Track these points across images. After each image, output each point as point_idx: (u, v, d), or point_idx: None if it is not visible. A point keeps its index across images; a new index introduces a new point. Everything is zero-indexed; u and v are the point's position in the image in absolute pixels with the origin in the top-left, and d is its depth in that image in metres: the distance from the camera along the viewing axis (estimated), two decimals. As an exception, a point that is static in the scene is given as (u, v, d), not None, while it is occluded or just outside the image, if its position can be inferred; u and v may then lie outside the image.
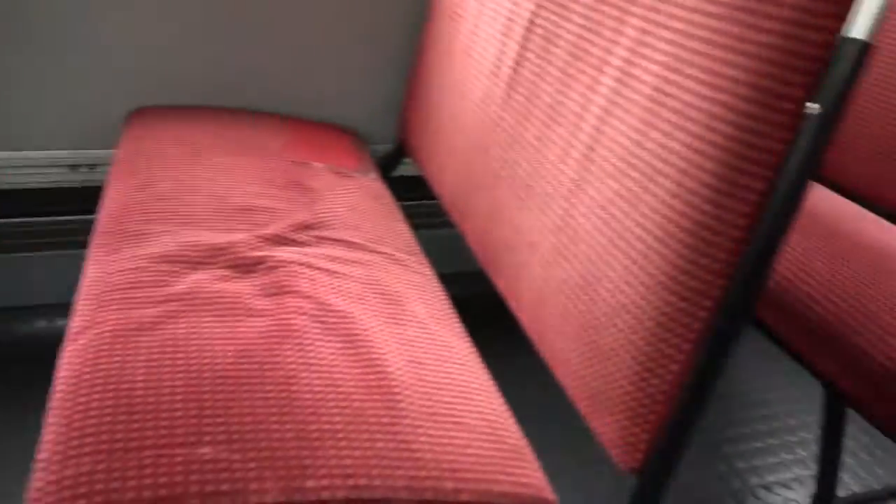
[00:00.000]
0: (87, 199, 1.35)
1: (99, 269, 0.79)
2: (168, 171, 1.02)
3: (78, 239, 1.36)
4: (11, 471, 1.10)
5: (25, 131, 1.30)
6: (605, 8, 0.76)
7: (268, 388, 0.63)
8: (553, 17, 0.87)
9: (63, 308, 1.41)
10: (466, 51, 1.11)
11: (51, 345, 1.39)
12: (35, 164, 1.32)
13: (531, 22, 0.91)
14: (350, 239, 0.93)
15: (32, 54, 1.23)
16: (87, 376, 0.62)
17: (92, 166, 1.33)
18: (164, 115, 1.24)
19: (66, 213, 1.36)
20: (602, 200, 0.72)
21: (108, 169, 1.33)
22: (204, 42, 1.31)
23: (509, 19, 0.97)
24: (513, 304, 0.87)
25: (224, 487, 0.53)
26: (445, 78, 1.18)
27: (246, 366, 0.65)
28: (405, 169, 1.47)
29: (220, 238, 0.85)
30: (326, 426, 0.61)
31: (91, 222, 1.34)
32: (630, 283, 0.65)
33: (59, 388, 0.62)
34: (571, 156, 0.78)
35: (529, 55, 0.91)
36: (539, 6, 0.90)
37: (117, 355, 0.64)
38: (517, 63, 0.93)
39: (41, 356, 1.35)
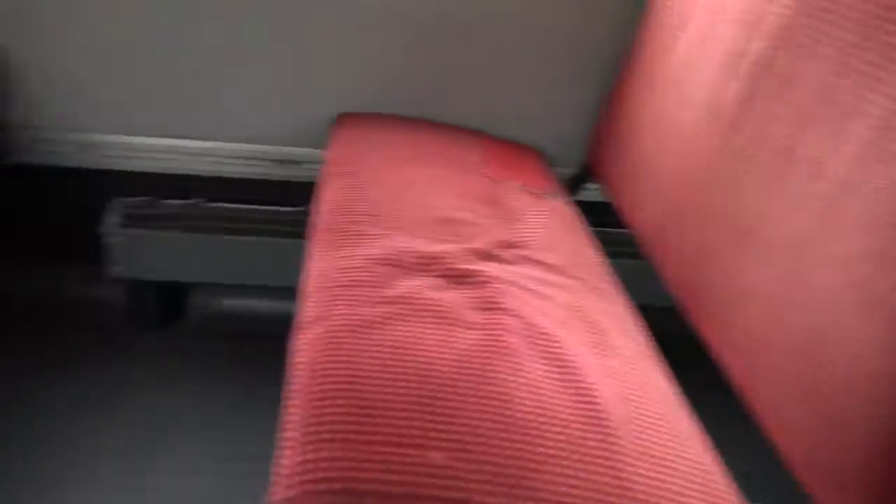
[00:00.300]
0: (285, 192, 1.46)
1: (323, 263, 0.84)
2: (375, 176, 1.08)
3: (271, 227, 1.46)
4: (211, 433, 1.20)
5: (239, 125, 1.41)
6: (865, 54, 0.72)
7: (485, 401, 0.64)
8: (792, 58, 0.83)
9: (253, 290, 1.52)
10: (676, 83, 1.08)
11: (239, 322, 1.51)
12: (245, 156, 1.43)
13: (766, 64, 0.87)
14: (548, 261, 0.94)
15: (251, 56, 1.34)
16: (323, 365, 0.66)
17: (296, 163, 1.42)
18: (369, 121, 1.31)
19: (265, 204, 1.46)
20: (844, 257, 0.67)
21: (310, 167, 1.43)
22: (406, 54, 1.37)
23: (737, 56, 0.94)
24: (717, 349, 0.84)
25: (451, 495, 0.55)
26: (648, 108, 1.16)
27: (464, 376, 0.67)
28: (585, 193, 1.47)
29: (431, 247, 0.88)
30: (541, 449, 0.61)
31: (285, 214, 1.45)
32: (878, 349, 0.61)
33: (297, 372, 0.67)
34: (806, 205, 0.74)
35: (759, 95, 0.87)
36: (776, 47, 0.86)
37: (349, 349, 0.68)
38: (742, 102, 0.90)
39: (230, 332, 1.47)
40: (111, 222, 1.37)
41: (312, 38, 1.33)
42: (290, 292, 1.48)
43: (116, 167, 1.42)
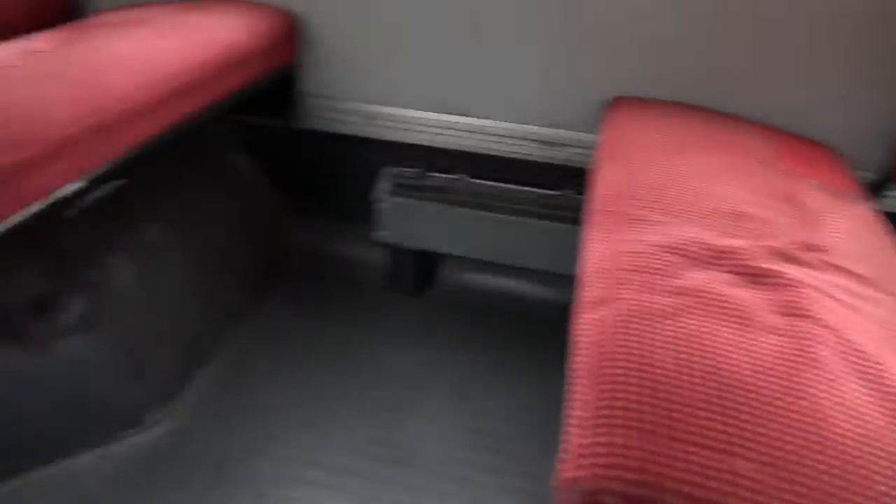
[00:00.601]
0: (545, 174, 1.45)
1: (603, 246, 0.81)
2: (654, 162, 1.02)
3: (529, 209, 1.45)
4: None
5: (510, 105, 1.43)
6: None
7: (794, 415, 0.57)
8: None
9: (500, 268, 1.53)
10: None
11: (484, 297, 1.53)
12: (512, 136, 1.45)
13: None
14: (857, 271, 0.82)
15: (526, 37, 1.35)
16: (610, 348, 0.63)
17: (561, 146, 1.41)
18: (645, 106, 1.25)
19: (524, 184, 1.47)
20: None
21: (573, 150, 1.41)
22: (686, 39, 1.29)
23: None
24: None
25: (762, 511, 0.49)
26: None
27: (767, 384, 0.60)
28: (887, 202, 1.28)
29: (721, 240, 0.81)
30: (866, 482, 0.53)
31: (545, 197, 1.44)
32: None
33: (582, 352, 0.65)
34: None
35: None
36: None
37: (637, 335, 0.64)
38: None
39: (475, 305, 1.51)
40: (382, 189, 1.46)
41: (588, 21, 1.31)
42: (537, 274, 1.48)
43: (391, 138, 1.52)
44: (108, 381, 1.11)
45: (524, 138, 1.43)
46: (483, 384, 1.27)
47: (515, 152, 1.45)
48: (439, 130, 1.49)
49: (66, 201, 0.95)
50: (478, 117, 1.45)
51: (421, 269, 1.53)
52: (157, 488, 1.04)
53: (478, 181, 1.46)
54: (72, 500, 1.02)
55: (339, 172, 1.62)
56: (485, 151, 1.48)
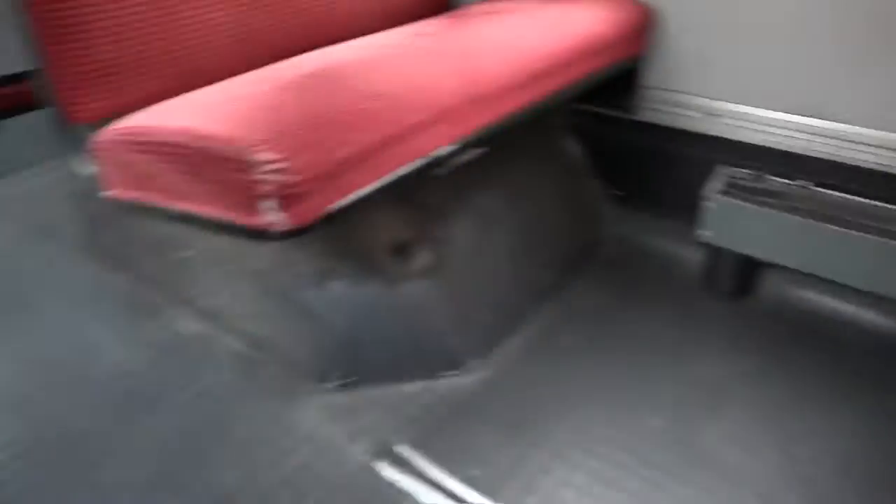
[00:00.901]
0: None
1: None
2: None
3: (871, 224, 1.30)
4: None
5: (870, 109, 1.29)
6: None
7: None
8: None
9: (829, 284, 1.39)
10: None
11: (805, 313, 1.41)
12: (868, 143, 1.31)
13: None
14: None
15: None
16: None
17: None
18: None
19: (876, 198, 1.32)
20: None
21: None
22: None
23: None
24: None
25: None
26: None
27: None
28: None
29: None
30: None
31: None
32: None
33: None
34: None
35: None
36: None
37: None
38: None
39: (794, 320, 1.40)
40: (713, 188, 1.42)
41: None
42: (872, 298, 1.32)
43: (730, 136, 1.47)
44: (439, 325, 1.26)
45: (886, 147, 1.28)
46: (798, 407, 1.18)
47: (871, 162, 1.31)
48: (784, 131, 1.41)
49: (436, 162, 1.09)
50: (833, 120, 1.34)
51: (741, 274, 1.46)
52: (464, 425, 1.16)
53: (822, 190, 1.35)
54: (398, 417, 1.18)
55: (667, 166, 1.62)
56: (833, 158, 1.36)
